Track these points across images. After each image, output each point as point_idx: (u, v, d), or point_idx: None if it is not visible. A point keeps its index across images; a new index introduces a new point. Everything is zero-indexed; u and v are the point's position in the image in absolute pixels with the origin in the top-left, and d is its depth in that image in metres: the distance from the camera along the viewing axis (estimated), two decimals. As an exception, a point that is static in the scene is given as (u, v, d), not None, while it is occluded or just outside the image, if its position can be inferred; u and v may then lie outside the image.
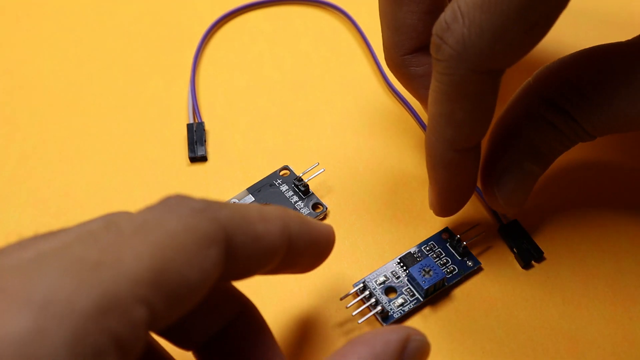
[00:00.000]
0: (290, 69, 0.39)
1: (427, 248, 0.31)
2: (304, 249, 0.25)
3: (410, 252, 0.31)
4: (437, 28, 0.25)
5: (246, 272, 0.23)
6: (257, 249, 0.22)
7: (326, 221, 0.33)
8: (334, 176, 0.35)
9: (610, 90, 0.27)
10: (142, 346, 0.18)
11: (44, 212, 0.34)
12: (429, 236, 0.32)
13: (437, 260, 0.31)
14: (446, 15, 0.25)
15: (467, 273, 0.30)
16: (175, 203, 0.21)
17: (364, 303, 0.29)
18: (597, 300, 0.30)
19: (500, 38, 0.24)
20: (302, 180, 0.33)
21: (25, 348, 0.15)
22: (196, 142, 0.36)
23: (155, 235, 0.19)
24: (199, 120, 0.37)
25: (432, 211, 0.31)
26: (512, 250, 0.31)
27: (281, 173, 0.34)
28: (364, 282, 0.30)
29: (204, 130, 0.36)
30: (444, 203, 0.30)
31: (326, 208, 0.33)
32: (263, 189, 0.34)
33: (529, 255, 0.31)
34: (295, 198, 0.33)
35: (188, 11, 0.43)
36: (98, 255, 0.18)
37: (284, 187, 0.34)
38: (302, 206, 0.33)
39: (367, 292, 0.30)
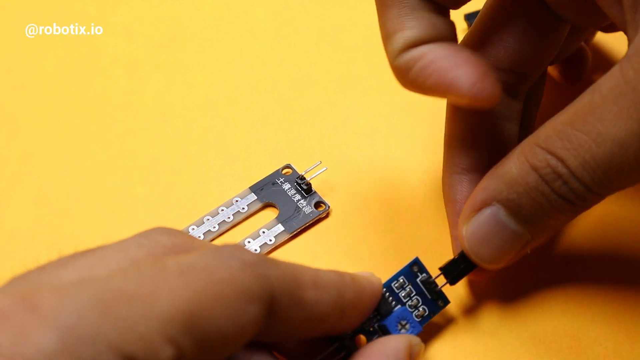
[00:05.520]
0: (293, 67, 0.39)
1: (397, 285, 0.28)
2: (352, 315, 0.25)
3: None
4: None
5: (290, 335, 0.23)
6: (304, 315, 0.22)
7: (328, 220, 0.33)
8: (336, 175, 0.35)
9: None
10: None
11: (46, 210, 0.34)
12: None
13: (408, 301, 0.28)
14: None
15: (438, 313, 0.29)
16: (228, 252, 0.21)
17: None
18: (599, 299, 0.30)
19: None
20: (304, 178, 0.34)
21: None
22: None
23: (197, 281, 0.19)
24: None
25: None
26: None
27: (284, 171, 0.35)
28: (339, 340, 0.26)
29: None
30: (451, 226, 0.29)
31: (328, 207, 0.33)
32: (265, 188, 0.34)
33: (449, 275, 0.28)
34: (298, 196, 0.33)
35: (186, 10, 0.43)
36: (135, 289, 0.18)
37: (286, 186, 0.34)
38: (305, 204, 0.33)
39: (344, 353, 0.26)
